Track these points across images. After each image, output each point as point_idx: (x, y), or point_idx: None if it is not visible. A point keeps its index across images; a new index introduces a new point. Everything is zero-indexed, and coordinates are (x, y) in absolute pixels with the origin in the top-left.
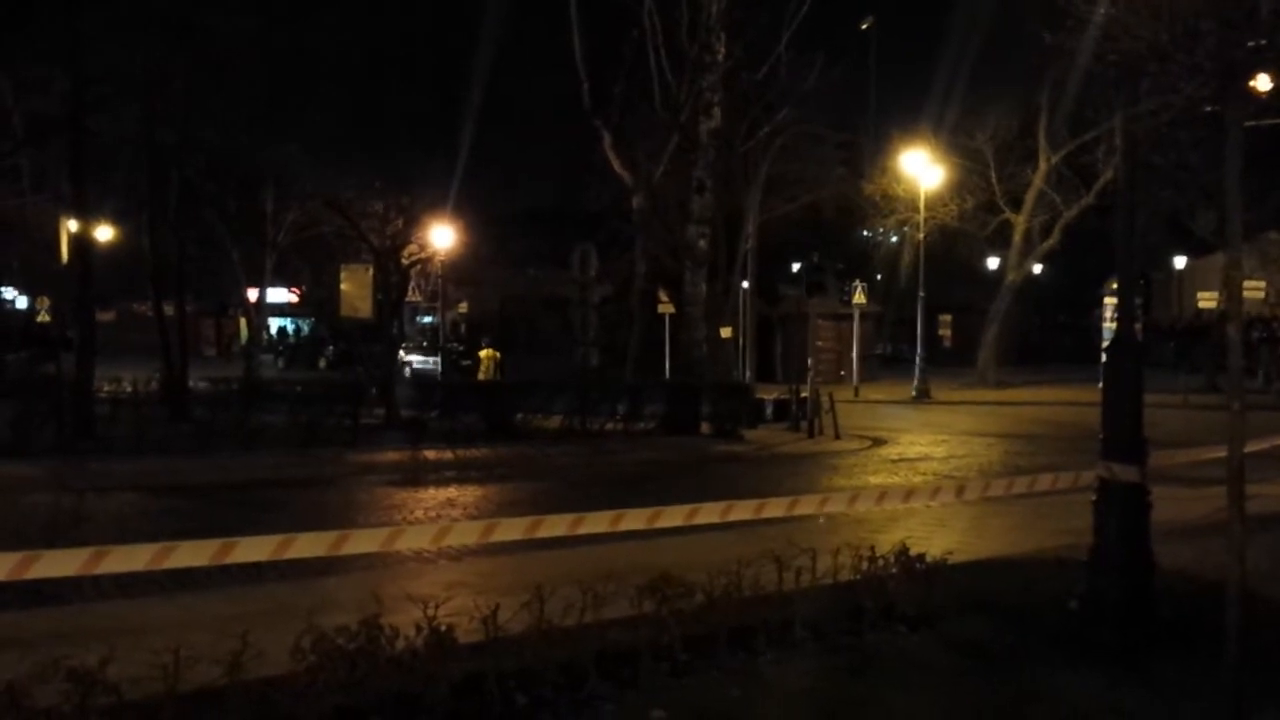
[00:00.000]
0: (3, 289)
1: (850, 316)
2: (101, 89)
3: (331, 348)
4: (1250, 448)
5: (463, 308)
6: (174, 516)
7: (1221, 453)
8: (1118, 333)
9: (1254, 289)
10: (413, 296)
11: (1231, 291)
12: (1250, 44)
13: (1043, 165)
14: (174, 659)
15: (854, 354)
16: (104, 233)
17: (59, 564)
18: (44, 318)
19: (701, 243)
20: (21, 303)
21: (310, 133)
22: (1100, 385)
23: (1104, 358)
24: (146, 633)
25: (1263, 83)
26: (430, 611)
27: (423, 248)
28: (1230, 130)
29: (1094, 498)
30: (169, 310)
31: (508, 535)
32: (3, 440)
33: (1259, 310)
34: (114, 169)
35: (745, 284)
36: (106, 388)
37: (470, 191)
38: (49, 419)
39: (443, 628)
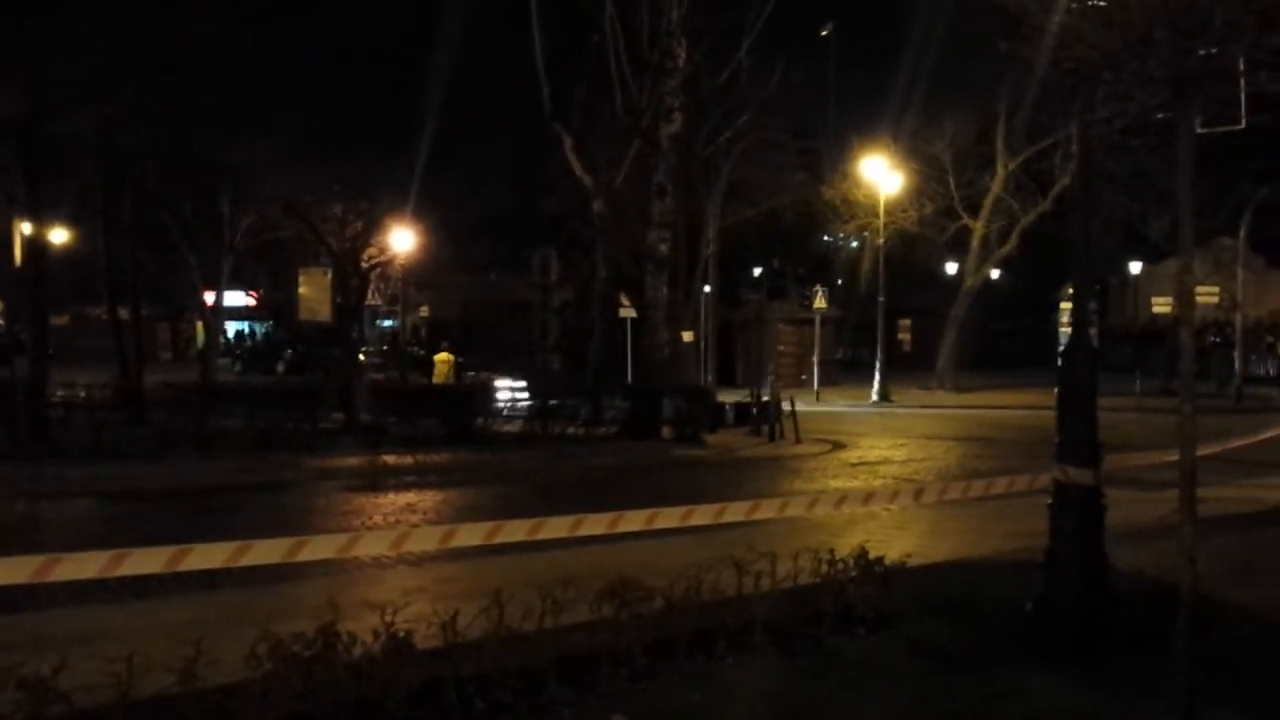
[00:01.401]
0: None
1: (811, 321)
2: (58, 92)
3: (290, 351)
4: (1203, 451)
5: (424, 311)
6: (130, 522)
7: (1176, 456)
8: (1072, 338)
9: (1207, 294)
10: (372, 300)
11: (1184, 296)
12: (1202, 53)
13: (1000, 171)
14: (127, 667)
15: (815, 358)
16: (59, 235)
17: (11, 571)
18: None
19: (663, 247)
20: None
21: (269, 136)
22: (1056, 389)
23: (1059, 363)
24: (100, 640)
25: (1216, 90)
26: (388, 618)
27: (382, 251)
28: (1182, 138)
29: (1050, 501)
30: (124, 314)
31: (467, 540)
32: None
33: (1213, 315)
34: (69, 172)
35: (706, 288)
36: (60, 392)
37: (431, 196)
38: (2, 423)
39: (401, 634)
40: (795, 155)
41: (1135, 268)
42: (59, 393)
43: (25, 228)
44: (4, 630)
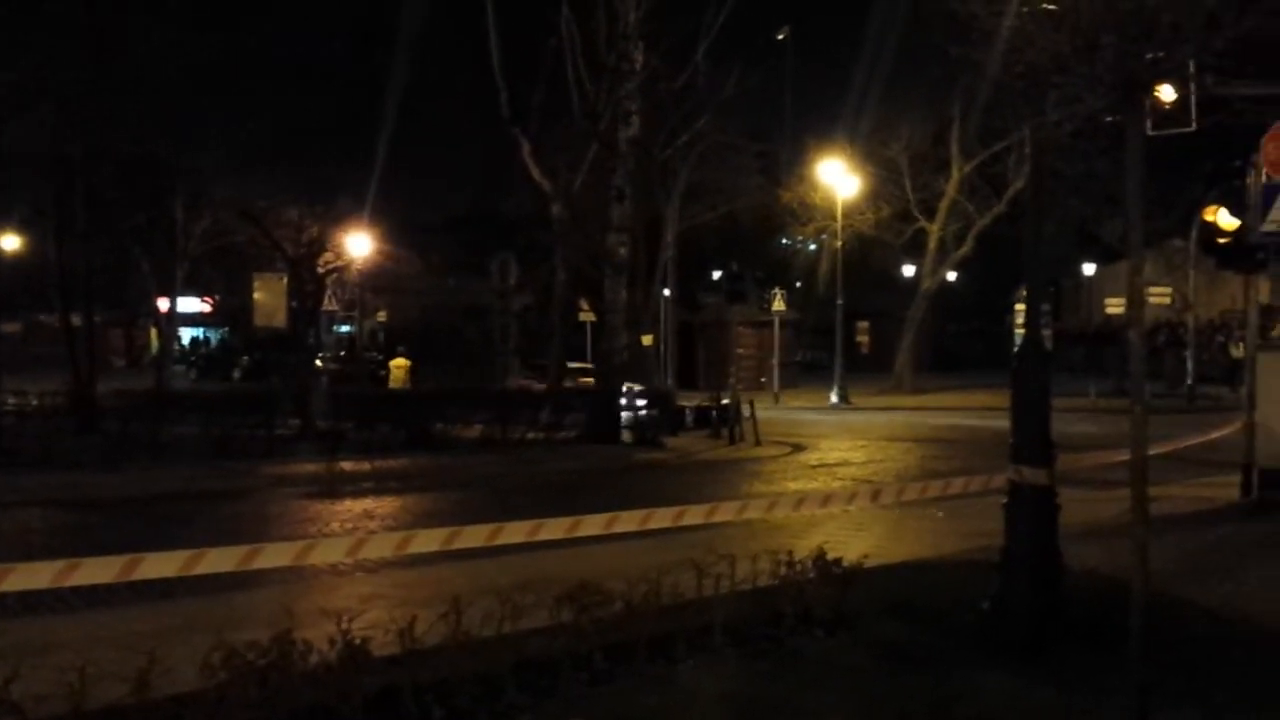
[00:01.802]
0: None
1: (770, 324)
2: (10, 97)
3: (246, 358)
4: (1154, 450)
5: (382, 316)
6: (83, 532)
7: (1128, 455)
8: (1025, 339)
9: (1159, 295)
10: (329, 305)
11: (1133, 297)
12: (1149, 56)
13: (955, 174)
14: (80, 677)
15: (774, 361)
16: (10, 242)
17: None
18: None
19: (621, 250)
20: None
21: (225, 141)
22: (1011, 391)
23: (1013, 364)
24: (53, 650)
25: (1166, 93)
26: (345, 625)
27: (339, 256)
28: (1130, 141)
29: (1005, 501)
30: (76, 321)
31: (425, 547)
32: None
33: (1165, 316)
34: (20, 177)
35: (666, 292)
36: (12, 400)
37: (389, 200)
38: None
39: (358, 641)
40: (753, 158)
41: (1089, 269)
42: (11, 401)
43: None
44: None
